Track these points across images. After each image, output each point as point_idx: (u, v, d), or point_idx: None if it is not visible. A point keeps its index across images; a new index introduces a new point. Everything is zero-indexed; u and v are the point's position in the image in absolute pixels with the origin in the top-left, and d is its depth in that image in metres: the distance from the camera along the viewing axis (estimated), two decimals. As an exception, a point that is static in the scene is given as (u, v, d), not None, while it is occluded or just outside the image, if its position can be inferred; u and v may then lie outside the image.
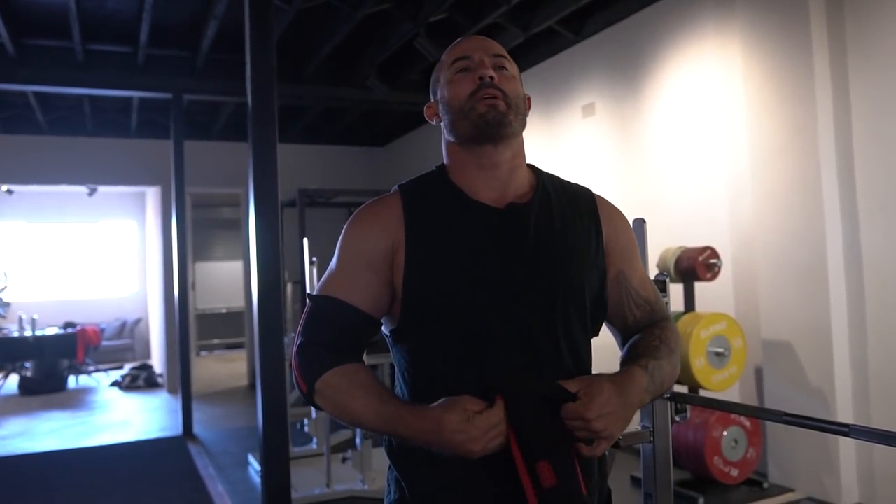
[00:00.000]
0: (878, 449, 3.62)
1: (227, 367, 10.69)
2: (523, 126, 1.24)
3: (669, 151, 4.82)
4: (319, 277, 5.54)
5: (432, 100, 1.30)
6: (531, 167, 1.31)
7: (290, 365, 1.21)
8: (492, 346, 1.14)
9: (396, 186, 1.28)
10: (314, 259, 5.32)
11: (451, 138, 1.24)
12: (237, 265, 11.27)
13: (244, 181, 3.20)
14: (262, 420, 3.17)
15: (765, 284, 4.03)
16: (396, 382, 1.27)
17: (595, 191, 1.37)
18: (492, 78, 1.19)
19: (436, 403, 1.08)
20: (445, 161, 1.28)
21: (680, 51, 4.72)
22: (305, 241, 5.43)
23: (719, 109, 4.43)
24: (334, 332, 1.20)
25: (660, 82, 4.89)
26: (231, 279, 12.30)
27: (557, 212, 1.24)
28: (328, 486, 4.28)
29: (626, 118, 5.20)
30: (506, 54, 1.25)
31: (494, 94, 1.18)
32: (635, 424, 1.84)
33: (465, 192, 1.22)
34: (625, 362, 1.23)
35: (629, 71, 5.14)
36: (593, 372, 1.25)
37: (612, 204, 1.34)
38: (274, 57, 3.27)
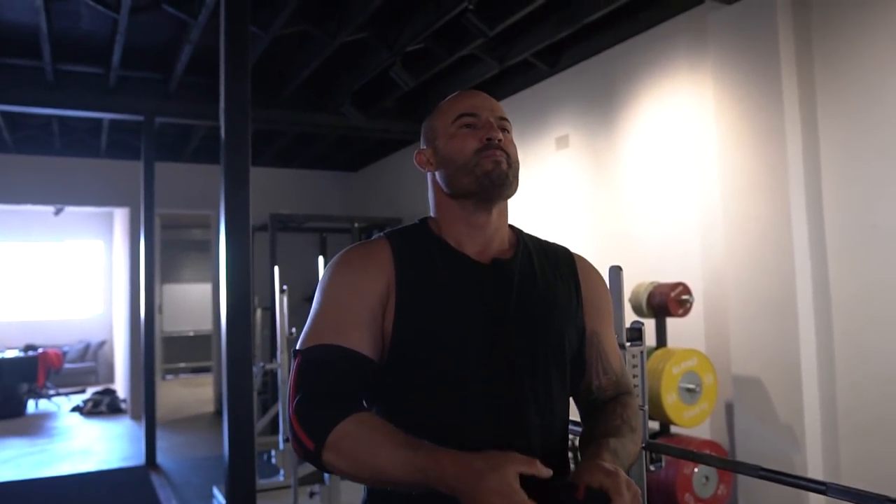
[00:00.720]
0: (846, 483, 3.64)
1: (193, 392, 10.49)
2: (516, 190, 1.24)
3: (642, 185, 4.86)
4: (290, 306, 5.49)
5: (424, 147, 1.28)
6: (510, 226, 1.31)
7: (290, 422, 1.09)
8: (474, 399, 1.13)
9: (381, 234, 1.26)
10: (284, 287, 5.26)
11: (447, 190, 1.23)
12: (206, 287, 11.10)
13: (215, 203, 3.16)
14: (229, 451, 3.08)
15: (735, 319, 4.06)
16: None
17: (569, 243, 1.40)
18: (500, 140, 1.19)
19: (477, 454, 0.98)
20: (433, 212, 1.28)
21: (654, 86, 4.78)
22: (276, 269, 5.38)
23: (692, 145, 4.49)
24: (338, 380, 1.10)
25: (633, 116, 4.94)
26: (199, 301, 12.10)
27: (539, 268, 1.25)
28: (295, 520, 4.18)
29: (599, 151, 5.25)
30: (507, 117, 1.27)
31: (500, 156, 1.19)
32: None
33: (452, 244, 1.22)
34: (588, 440, 1.19)
35: (603, 104, 5.20)
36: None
37: (590, 263, 1.35)
38: (248, 84, 3.24)
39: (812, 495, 3.67)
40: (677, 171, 4.59)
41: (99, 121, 7.00)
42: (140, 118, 6.22)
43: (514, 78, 5.91)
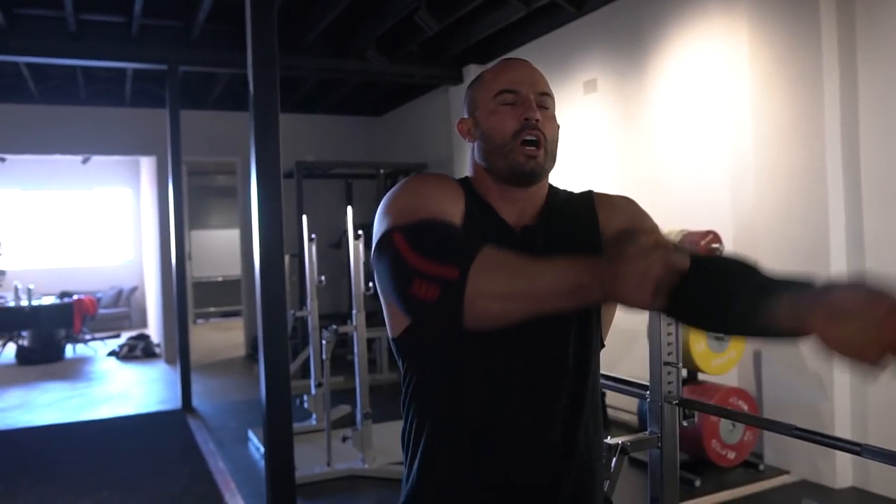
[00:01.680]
0: (873, 431, 3.67)
1: (224, 336, 10.73)
2: (554, 166, 1.24)
3: (672, 131, 4.77)
4: (318, 254, 5.54)
5: (466, 115, 1.28)
6: (549, 185, 1.31)
7: (413, 269, 0.98)
8: (503, 358, 1.16)
9: (452, 178, 1.27)
10: (313, 235, 5.31)
11: (483, 165, 1.24)
12: (233, 233, 11.22)
13: (241, 150, 3.16)
14: (266, 395, 3.14)
15: (766, 268, 4.03)
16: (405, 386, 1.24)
17: (598, 183, 1.35)
18: (537, 121, 1.18)
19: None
20: (470, 173, 1.29)
21: (684, 29, 4.64)
22: (305, 217, 5.41)
23: (723, 90, 4.38)
24: (459, 235, 1.06)
25: (663, 60, 4.82)
26: (227, 247, 12.27)
27: (564, 229, 1.24)
28: (328, 464, 4.31)
29: (628, 96, 5.15)
30: (549, 90, 1.25)
31: (537, 140, 1.18)
32: (618, 437, 1.84)
33: (497, 211, 1.24)
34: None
35: (632, 48, 5.07)
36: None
37: (610, 196, 1.31)
38: (275, 29, 3.20)
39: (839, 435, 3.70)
40: (708, 117, 4.50)
41: (123, 70, 6.99)
42: (164, 67, 6.19)
43: (540, 20, 5.77)
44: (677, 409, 1.81)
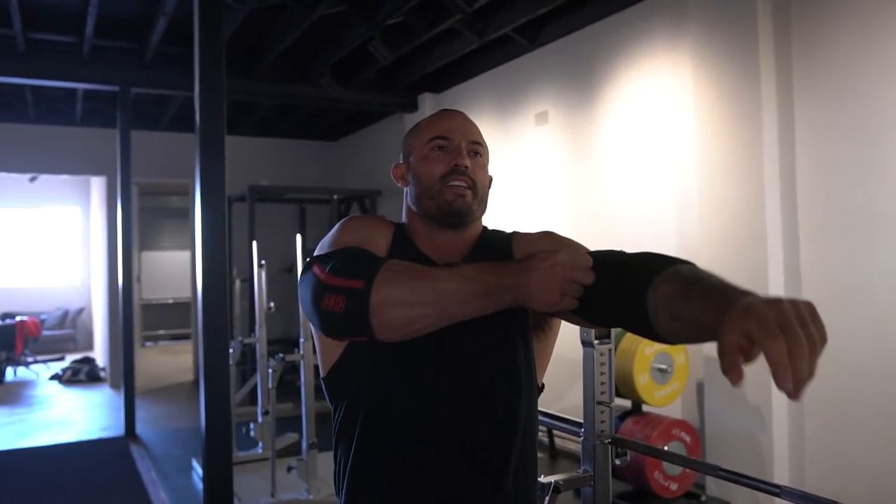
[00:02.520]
0: (810, 466, 3.75)
1: (172, 360, 10.50)
2: (484, 212, 1.28)
3: (620, 164, 4.88)
4: (268, 278, 5.49)
5: (401, 161, 1.31)
6: (483, 227, 1.34)
7: (323, 284, 1.05)
8: (413, 404, 1.18)
9: (387, 219, 1.32)
10: (263, 262, 5.26)
11: (414, 209, 1.27)
12: (185, 255, 11.03)
13: (193, 172, 3.12)
14: (205, 423, 3.09)
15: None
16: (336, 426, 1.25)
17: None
18: (466, 167, 1.21)
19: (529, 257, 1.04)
20: (404, 219, 1.32)
21: (633, 64, 4.77)
22: (255, 243, 5.36)
23: (670, 125, 4.51)
24: (369, 254, 1.13)
25: (613, 94, 4.94)
26: (178, 269, 12.03)
27: None
28: (273, 494, 4.25)
29: (578, 128, 5.25)
30: (482, 140, 1.28)
31: (465, 183, 1.21)
32: (568, 470, 1.87)
33: (419, 248, 1.27)
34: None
35: (583, 81, 5.18)
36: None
37: (530, 234, 1.33)
38: (222, 56, 3.19)
39: (778, 474, 3.78)
40: (655, 151, 4.61)
41: (73, 90, 6.87)
42: (115, 88, 6.11)
43: (493, 52, 5.87)
44: (610, 447, 1.83)
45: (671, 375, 3.99)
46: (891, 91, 3.35)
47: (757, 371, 3.17)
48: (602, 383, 1.86)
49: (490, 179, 1.30)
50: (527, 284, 0.99)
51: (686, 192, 4.35)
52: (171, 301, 12.59)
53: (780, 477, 3.77)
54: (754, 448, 3.84)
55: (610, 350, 1.89)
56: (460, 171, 1.21)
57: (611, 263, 1.06)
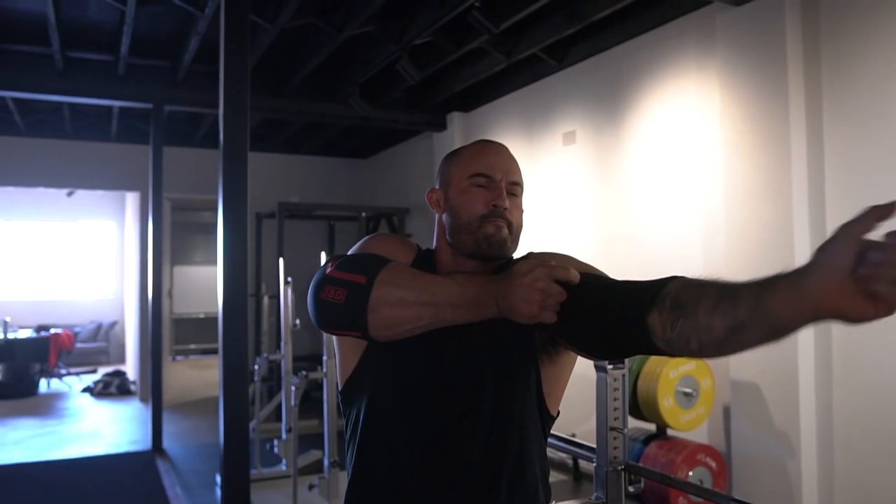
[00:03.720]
0: (839, 491, 3.65)
1: (202, 374, 10.62)
2: (515, 251, 1.29)
3: (646, 185, 4.84)
4: (295, 295, 5.53)
5: (438, 187, 1.32)
6: None
7: (327, 278, 1.12)
8: (411, 427, 1.20)
9: (410, 241, 1.36)
10: (289, 279, 5.30)
11: (448, 239, 1.28)
12: (216, 270, 11.19)
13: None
14: (224, 439, 3.10)
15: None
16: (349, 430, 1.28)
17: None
18: (505, 209, 1.23)
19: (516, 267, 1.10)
20: (434, 245, 1.34)
21: (660, 85, 4.74)
22: (281, 260, 5.41)
23: (697, 146, 4.46)
24: (378, 257, 1.18)
25: (640, 115, 4.91)
26: (209, 284, 12.17)
27: None
28: (294, 512, 4.24)
29: (605, 149, 5.22)
30: (521, 180, 1.29)
31: (502, 224, 1.23)
32: (589, 495, 1.85)
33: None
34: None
35: (610, 101, 5.16)
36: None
37: (547, 254, 1.32)
38: (247, 74, 3.24)
39: (805, 496, 3.69)
40: (682, 173, 4.57)
41: (109, 107, 7.04)
42: (149, 106, 6.24)
43: (521, 72, 5.88)
44: (623, 474, 1.80)
45: (696, 399, 3.92)
46: (923, 112, 3.28)
47: (786, 397, 3.13)
48: (615, 409, 1.84)
49: (523, 214, 1.30)
50: (510, 297, 1.05)
51: (713, 214, 4.29)
52: (202, 315, 12.74)
53: (809, 502, 3.67)
54: (782, 475, 3.74)
55: (624, 375, 1.87)
56: (499, 213, 1.22)
57: (602, 288, 1.09)
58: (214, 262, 11.85)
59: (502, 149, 1.30)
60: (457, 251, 1.26)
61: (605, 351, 1.20)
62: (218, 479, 5.01)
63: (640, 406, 3.96)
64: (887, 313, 0.75)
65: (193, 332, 12.75)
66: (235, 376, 3.07)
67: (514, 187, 1.26)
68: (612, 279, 1.15)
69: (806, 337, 3.72)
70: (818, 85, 3.77)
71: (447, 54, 5.35)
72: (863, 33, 3.58)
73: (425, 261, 1.29)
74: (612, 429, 1.77)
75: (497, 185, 1.23)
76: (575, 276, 1.06)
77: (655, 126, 4.78)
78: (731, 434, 4.13)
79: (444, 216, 1.28)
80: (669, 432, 4.08)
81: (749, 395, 3.95)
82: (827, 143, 3.74)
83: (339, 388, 1.29)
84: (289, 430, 5.13)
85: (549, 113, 5.79)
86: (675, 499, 3.81)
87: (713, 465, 3.90)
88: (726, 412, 4.21)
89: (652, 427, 4.11)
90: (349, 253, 1.25)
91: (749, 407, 3.96)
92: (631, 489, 1.84)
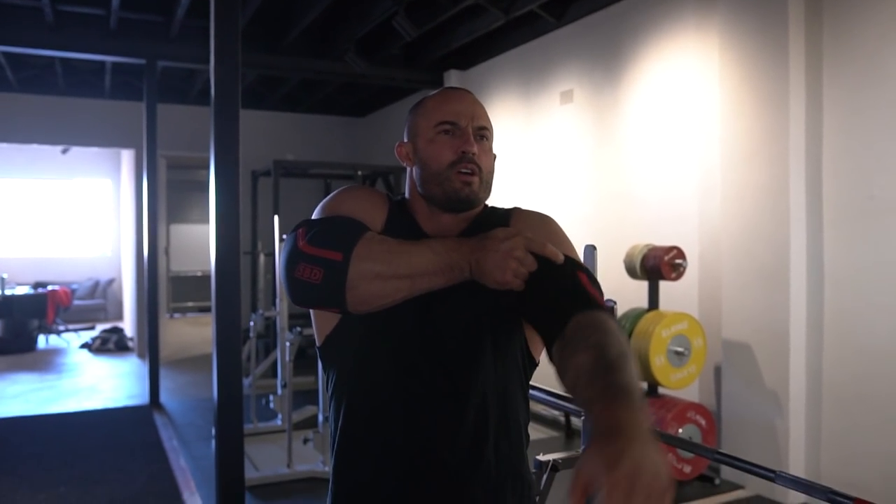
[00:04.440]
0: (826, 452, 3.71)
1: (199, 332, 10.68)
2: (488, 196, 1.27)
3: (643, 145, 4.81)
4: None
5: (406, 140, 1.30)
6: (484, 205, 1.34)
7: (301, 253, 1.08)
8: (413, 372, 1.19)
9: (382, 192, 1.33)
10: (284, 236, 5.29)
11: (419, 190, 1.27)
12: (213, 229, 11.14)
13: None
14: (217, 394, 3.12)
15: (729, 285, 4.08)
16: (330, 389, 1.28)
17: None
18: (474, 154, 1.21)
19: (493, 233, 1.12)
20: (407, 195, 1.32)
21: (660, 44, 4.68)
22: (276, 218, 5.40)
23: (695, 106, 4.43)
24: (352, 222, 1.15)
25: (638, 74, 4.86)
26: (206, 242, 12.18)
27: None
28: (289, 465, 4.31)
29: (602, 108, 5.18)
30: (489, 124, 1.27)
31: (472, 170, 1.21)
32: (578, 448, 1.88)
33: (419, 225, 1.28)
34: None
35: (608, 60, 5.11)
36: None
37: (530, 213, 1.33)
38: (237, 28, 3.17)
39: (793, 460, 3.75)
40: (679, 133, 4.54)
41: (102, 63, 6.95)
42: (142, 61, 6.16)
43: (519, 29, 5.80)
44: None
45: (688, 358, 3.95)
46: (923, 73, 3.25)
47: (776, 358, 3.17)
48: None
49: (494, 158, 1.29)
50: (484, 261, 1.07)
51: (709, 175, 4.28)
52: (199, 273, 12.77)
53: (796, 462, 3.74)
54: (770, 433, 3.80)
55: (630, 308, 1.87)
56: (468, 158, 1.21)
57: (553, 281, 1.10)
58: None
59: (467, 94, 1.28)
60: (430, 202, 1.25)
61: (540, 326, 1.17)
62: (214, 432, 5.07)
63: (631, 365, 4.00)
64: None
65: (191, 289, 12.78)
66: (229, 332, 3.07)
67: (483, 131, 1.25)
68: (569, 272, 1.13)
69: (798, 300, 3.74)
70: (819, 44, 3.72)
71: (444, 10, 5.27)
72: (865, -7, 3.52)
73: (400, 213, 1.28)
74: (600, 384, 1.79)
75: (464, 131, 1.22)
76: (552, 251, 1.08)
77: (654, 86, 4.73)
78: (721, 393, 4.18)
79: (414, 169, 1.27)
80: (660, 390, 4.12)
81: (740, 355, 3.99)
82: (826, 108, 3.71)
83: (318, 345, 1.27)
84: (284, 386, 5.19)
85: (546, 71, 5.72)
86: (666, 455, 3.86)
87: (703, 422, 3.95)
88: (717, 372, 4.26)
89: (643, 385, 4.15)
90: (320, 208, 1.23)
91: (740, 367, 4.00)
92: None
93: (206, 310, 12.41)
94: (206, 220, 12.53)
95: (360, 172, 8.11)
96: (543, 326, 1.10)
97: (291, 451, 4.34)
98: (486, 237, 1.08)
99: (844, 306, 3.64)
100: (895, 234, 3.40)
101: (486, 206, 1.34)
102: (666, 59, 4.63)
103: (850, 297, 3.60)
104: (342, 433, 1.23)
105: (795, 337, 3.75)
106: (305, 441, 4.38)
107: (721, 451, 1.58)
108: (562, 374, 1.00)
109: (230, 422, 3.08)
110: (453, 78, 6.78)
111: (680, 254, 4.03)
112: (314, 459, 4.40)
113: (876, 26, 3.47)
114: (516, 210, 1.34)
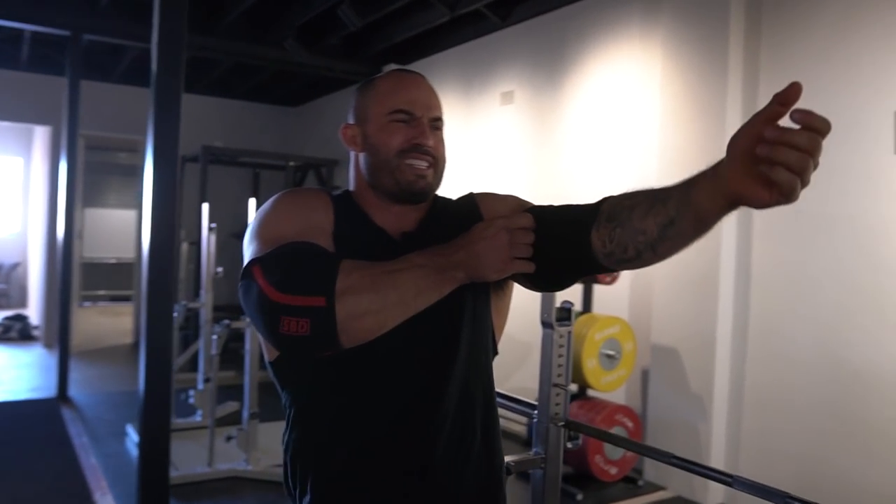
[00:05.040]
0: (744, 452, 3.84)
1: (111, 322, 10.21)
2: (440, 185, 1.24)
3: (582, 149, 4.87)
4: (218, 243, 5.33)
5: (353, 122, 1.23)
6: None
7: (277, 305, 0.98)
8: (388, 359, 1.14)
9: (322, 189, 1.27)
10: (213, 225, 5.11)
11: (368, 179, 1.21)
12: (130, 214, 10.70)
13: (144, 128, 2.98)
14: (145, 388, 2.97)
15: (660, 291, 4.16)
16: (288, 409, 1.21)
17: (491, 185, 1.38)
18: (430, 147, 1.17)
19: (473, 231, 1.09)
20: (351, 186, 1.26)
21: (604, 50, 4.75)
22: (206, 206, 5.20)
23: (635, 113, 4.50)
24: (316, 255, 1.05)
25: (581, 78, 4.91)
26: (123, 228, 11.67)
27: (448, 232, 1.18)
28: (210, 464, 4.15)
29: (543, 110, 5.21)
30: (442, 111, 1.23)
31: (426, 162, 1.17)
32: (528, 451, 1.85)
33: (373, 220, 1.21)
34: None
35: (552, 63, 5.14)
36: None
37: (493, 194, 1.33)
38: (185, 7, 3.04)
39: (713, 456, 3.85)
40: (618, 139, 4.61)
41: (19, 31, 6.52)
42: (66, 33, 5.82)
43: (464, 27, 5.78)
44: (563, 430, 1.81)
45: (619, 362, 4.01)
46: (855, 94, 3.39)
47: (702, 362, 3.22)
48: (559, 366, 1.84)
49: (445, 148, 1.25)
50: (476, 256, 1.03)
51: (646, 182, 4.31)
52: (113, 261, 12.20)
53: (716, 462, 3.85)
54: (693, 435, 3.90)
55: (569, 332, 1.87)
56: (423, 150, 1.16)
57: (548, 221, 1.10)
58: (128, 206, 11.40)
59: (422, 81, 1.22)
60: (379, 192, 1.19)
61: (552, 279, 1.16)
62: (129, 428, 4.83)
63: (564, 367, 4.04)
64: (783, 200, 0.78)
65: (103, 277, 12.20)
66: (160, 323, 2.92)
67: (437, 122, 1.21)
68: (551, 209, 1.16)
69: (726, 307, 3.85)
70: (756, 59, 3.84)
71: (391, 2, 5.20)
72: (803, 8, 3.65)
73: (347, 209, 1.21)
74: (556, 385, 1.77)
75: (419, 122, 1.17)
76: (528, 220, 1.07)
77: (595, 91, 4.79)
78: (647, 396, 4.27)
79: (361, 155, 1.21)
80: (590, 392, 4.17)
81: (668, 360, 4.08)
82: (760, 119, 3.83)
83: (270, 360, 1.18)
84: (207, 381, 4.99)
85: (488, 71, 5.73)
86: (593, 457, 3.92)
87: (630, 424, 4.02)
88: (645, 375, 4.34)
89: (573, 388, 4.19)
90: (259, 225, 1.13)
91: (667, 371, 4.09)
92: (569, 445, 1.85)
93: (120, 299, 11.87)
94: (123, 206, 12.02)
95: (291, 163, 7.94)
96: (570, 247, 1.07)
97: (214, 448, 4.18)
98: (466, 236, 1.06)
99: (769, 314, 3.76)
100: (819, 248, 3.53)
101: (436, 196, 1.30)
102: (609, 66, 4.70)
103: (775, 307, 3.73)
104: (314, 442, 1.17)
105: (721, 343, 3.86)
106: (228, 439, 4.23)
107: (677, 455, 1.57)
108: (625, 241, 1.00)
109: (157, 417, 2.94)
110: (392, 73, 6.70)
111: (615, 259, 4.09)
112: (237, 458, 4.25)
113: (813, 42, 3.60)
114: (477, 194, 1.33)
